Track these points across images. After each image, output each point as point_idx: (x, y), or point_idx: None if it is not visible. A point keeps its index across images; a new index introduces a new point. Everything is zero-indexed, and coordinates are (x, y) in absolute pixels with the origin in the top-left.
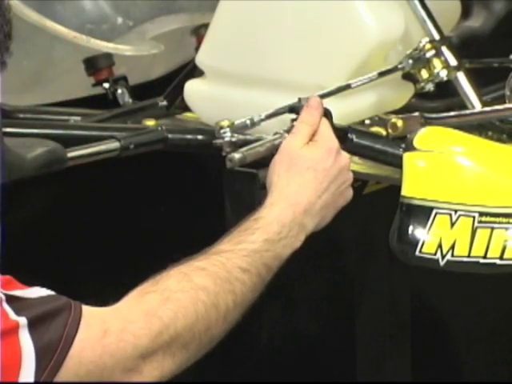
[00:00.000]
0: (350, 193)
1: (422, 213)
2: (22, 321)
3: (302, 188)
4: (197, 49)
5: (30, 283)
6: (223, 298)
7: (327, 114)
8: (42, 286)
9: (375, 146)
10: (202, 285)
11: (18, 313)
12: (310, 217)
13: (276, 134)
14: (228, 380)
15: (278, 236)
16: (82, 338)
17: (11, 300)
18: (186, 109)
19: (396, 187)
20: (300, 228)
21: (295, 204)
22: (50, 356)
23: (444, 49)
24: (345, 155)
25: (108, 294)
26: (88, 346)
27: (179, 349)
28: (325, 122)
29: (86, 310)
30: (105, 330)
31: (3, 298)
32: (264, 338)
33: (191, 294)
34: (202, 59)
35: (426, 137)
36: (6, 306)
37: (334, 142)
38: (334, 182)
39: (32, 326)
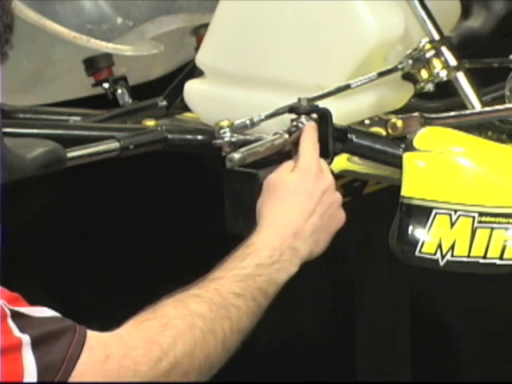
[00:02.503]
0: (341, 215)
1: (422, 213)
2: (26, 338)
3: (287, 212)
4: (196, 49)
5: (30, 283)
6: (219, 324)
7: (326, 115)
8: (43, 286)
9: (375, 146)
10: (197, 311)
11: (21, 330)
12: (300, 240)
13: (276, 134)
14: (228, 380)
15: (269, 260)
16: (85, 361)
17: (16, 316)
18: (186, 109)
19: (396, 187)
20: (292, 252)
21: (282, 228)
22: (52, 376)
23: (444, 49)
24: (327, 176)
25: (108, 293)
26: (90, 369)
27: (179, 377)
28: (306, 143)
29: (90, 333)
30: (107, 355)
31: (8, 313)
32: (264, 337)
33: (188, 320)
34: (201, 59)
35: (426, 137)
36: (10, 322)
37: (312, 164)
38: (320, 204)
39: (35, 344)
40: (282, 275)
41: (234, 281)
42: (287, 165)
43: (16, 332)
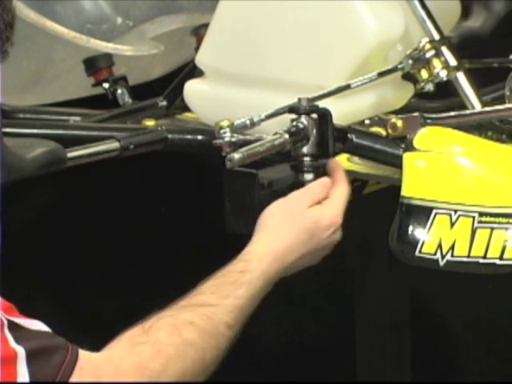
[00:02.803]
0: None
1: (422, 213)
2: (21, 351)
3: (292, 249)
4: (196, 49)
5: (30, 283)
6: (209, 353)
7: (326, 115)
8: (43, 286)
9: (375, 146)
10: (190, 340)
11: (17, 341)
12: (285, 272)
13: (276, 134)
14: (228, 380)
15: (260, 291)
16: (75, 381)
17: (12, 327)
18: (186, 109)
19: (396, 187)
20: (274, 281)
21: (281, 262)
22: None
23: (444, 49)
24: (340, 233)
25: (108, 293)
26: None
27: None
28: (342, 190)
29: (82, 354)
30: (97, 376)
31: (5, 323)
32: (264, 337)
33: (181, 349)
34: (201, 59)
35: (426, 137)
36: (7, 333)
37: (340, 217)
38: (318, 251)
39: (30, 358)
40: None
41: (227, 311)
42: (316, 194)
43: (12, 343)
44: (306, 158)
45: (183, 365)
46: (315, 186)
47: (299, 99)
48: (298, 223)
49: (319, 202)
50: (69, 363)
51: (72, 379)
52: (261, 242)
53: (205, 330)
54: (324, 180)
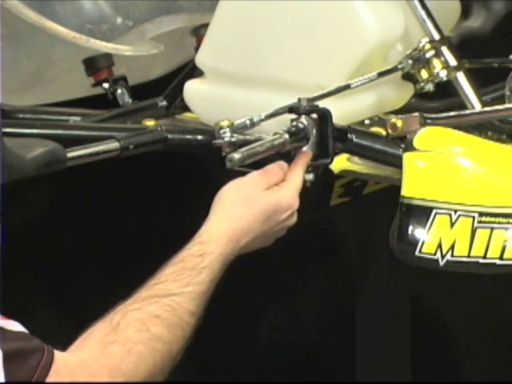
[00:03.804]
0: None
1: (422, 213)
2: None
3: (249, 230)
4: (196, 49)
5: (30, 283)
6: (176, 345)
7: (326, 115)
8: (43, 286)
9: (375, 146)
10: (158, 335)
11: None
12: (240, 252)
13: (276, 134)
14: (228, 380)
15: (219, 274)
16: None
17: None
18: (186, 109)
19: (396, 187)
20: (230, 261)
21: (237, 242)
22: None
23: (444, 49)
24: (295, 217)
25: (108, 293)
26: None
27: None
28: (299, 172)
29: (57, 355)
30: (72, 379)
31: None
32: (264, 338)
33: (150, 345)
34: (201, 59)
35: (426, 137)
36: None
37: (297, 200)
38: (273, 233)
39: (7, 359)
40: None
41: (190, 298)
42: (274, 173)
43: None
44: None
45: (153, 361)
46: (273, 168)
47: (299, 99)
48: (255, 204)
49: (276, 184)
50: (44, 365)
51: (47, 381)
52: (217, 222)
53: (170, 322)
54: (281, 162)
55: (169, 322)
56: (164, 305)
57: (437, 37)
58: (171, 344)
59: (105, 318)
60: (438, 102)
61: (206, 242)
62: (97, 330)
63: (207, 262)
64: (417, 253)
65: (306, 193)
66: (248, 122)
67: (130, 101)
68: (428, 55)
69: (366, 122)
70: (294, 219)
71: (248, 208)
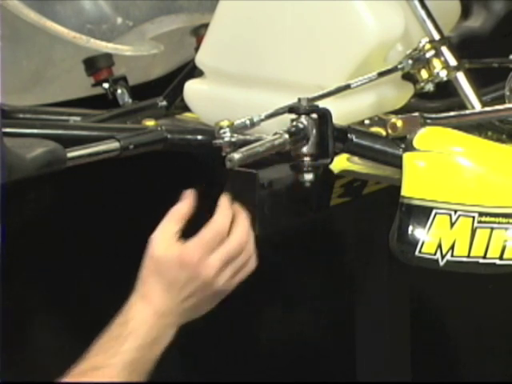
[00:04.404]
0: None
1: (422, 213)
2: None
3: (164, 291)
4: (196, 49)
5: (30, 283)
6: None
7: (326, 115)
8: (43, 286)
9: (375, 146)
10: None
11: None
12: (177, 318)
13: (276, 134)
14: (228, 380)
15: (148, 339)
16: None
17: None
18: (186, 109)
19: (396, 187)
20: (168, 328)
21: (158, 306)
22: None
23: (444, 49)
24: (210, 267)
25: (107, 293)
26: None
27: None
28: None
29: None
30: None
31: None
32: (263, 338)
33: None
34: (201, 59)
35: (426, 137)
36: None
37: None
38: (200, 292)
39: None
40: (158, 350)
41: (119, 370)
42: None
43: None
44: (306, 158)
45: None
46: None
47: (299, 99)
48: (168, 271)
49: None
50: None
51: None
52: (139, 295)
53: None
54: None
55: None
56: (97, 379)
57: (437, 37)
58: None
59: None
60: (438, 101)
61: (127, 310)
62: None
63: (130, 329)
64: (417, 253)
65: (306, 193)
66: (248, 122)
67: (130, 101)
68: (428, 55)
69: (366, 122)
70: (208, 273)
71: (161, 274)
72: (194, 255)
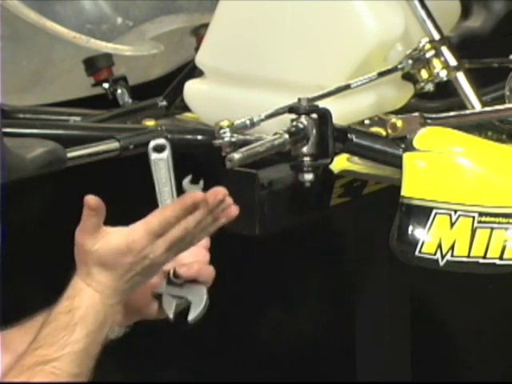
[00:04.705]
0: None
1: (422, 213)
2: None
3: (109, 277)
4: (196, 49)
5: (30, 283)
6: None
7: (326, 115)
8: (43, 286)
9: (375, 146)
10: None
11: None
12: (118, 296)
13: (276, 134)
14: (228, 380)
15: (96, 324)
16: None
17: None
18: (186, 109)
19: (396, 187)
20: (114, 309)
21: (104, 291)
22: None
23: (444, 49)
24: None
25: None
26: None
27: None
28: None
29: None
30: None
31: None
32: (264, 338)
33: None
34: (201, 59)
35: (426, 137)
36: None
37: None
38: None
39: None
40: (105, 332)
41: (69, 361)
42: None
43: None
44: (306, 158)
45: None
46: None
47: (299, 99)
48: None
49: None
50: None
51: None
52: (82, 278)
53: None
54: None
55: None
56: (48, 373)
57: (437, 37)
58: None
59: None
60: (438, 101)
61: (72, 297)
62: None
63: (78, 318)
64: (417, 253)
65: (306, 193)
66: (248, 122)
67: (130, 101)
68: (428, 55)
69: (366, 122)
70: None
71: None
72: (141, 242)
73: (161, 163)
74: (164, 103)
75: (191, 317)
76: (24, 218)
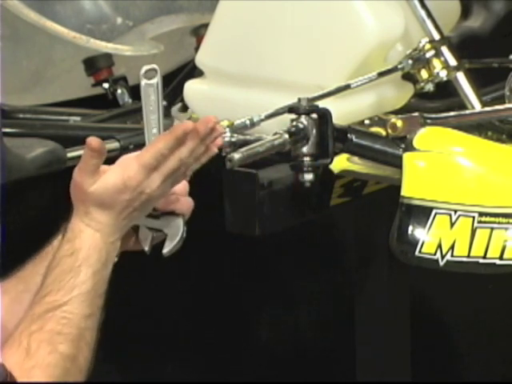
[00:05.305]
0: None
1: (422, 213)
2: None
3: (108, 215)
4: (196, 49)
5: None
6: (82, 356)
7: (326, 115)
8: None
9: (375, 146)
10: (66, 353)
11: None
12: (117, 233)
13: (276, 134)
14: (228, 380)
15: (100, 263)
16: None
17: None
18: (186, 109)
19: (396, 187)
20: (114, 245)
21: (104, 229)
22: None
23: (444, 49)
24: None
25: (107, 293)
26: None
27: None
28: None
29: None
30: None
31: None
32: (264, 338)
33: (62, 366)
34: (201, 59)
35: (426, 137)
36: None
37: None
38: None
39: None
40: (110, 269)
41: (80, 302)
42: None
43: None
44: (306, 158)
45: (67, 380)
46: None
47: (299, 99)
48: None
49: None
50: None
51: None
52: (82, 216)
53: (72, 335)
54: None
55: (71, 336)
56: (60, 318)
57: (437, 37)
58: (78, 359)
59: (12, 342)
60: (438, 101)
61: (72, 240)
62: (10, 356)
63: (81, 259)
64: (417, 253)
65: (306, 193)
66: (248, 122)
67: (130, 101)
68: (428, 55)
69: (366, 122)
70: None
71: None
72: (137, 178)
73: (150, 89)
74: (164, 103)
75: (166, 249)
76: (24, 218)
